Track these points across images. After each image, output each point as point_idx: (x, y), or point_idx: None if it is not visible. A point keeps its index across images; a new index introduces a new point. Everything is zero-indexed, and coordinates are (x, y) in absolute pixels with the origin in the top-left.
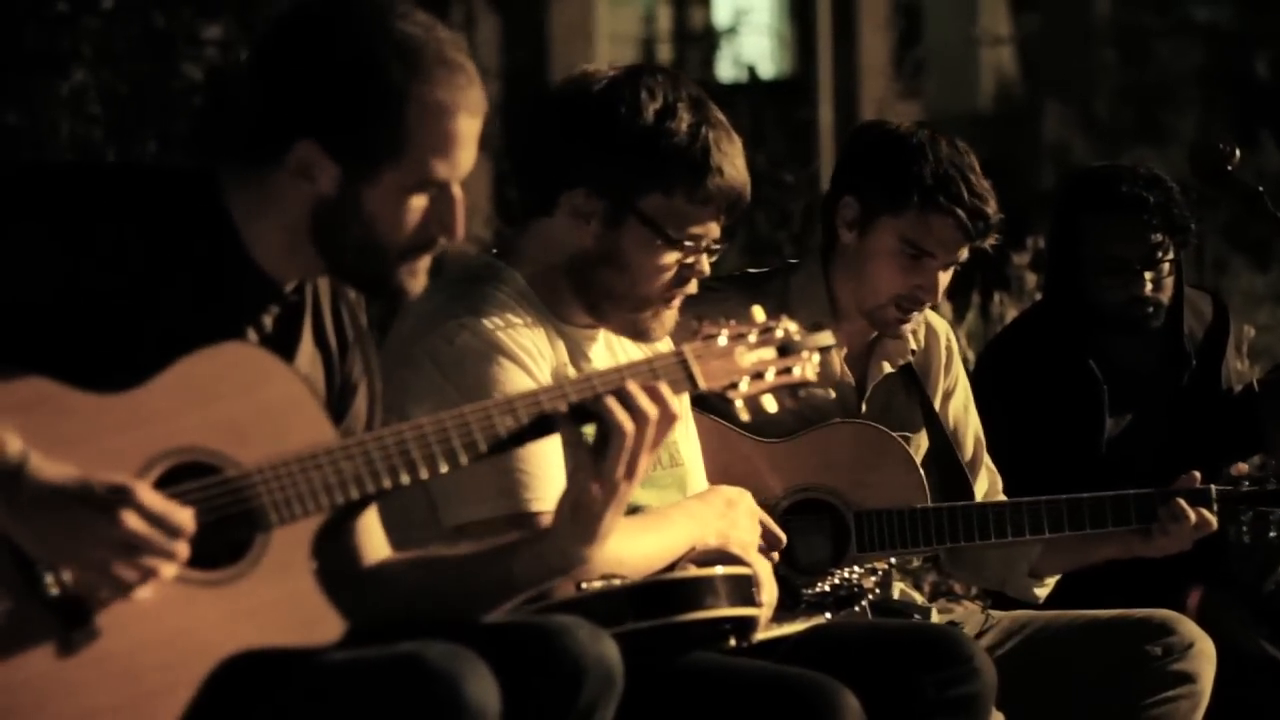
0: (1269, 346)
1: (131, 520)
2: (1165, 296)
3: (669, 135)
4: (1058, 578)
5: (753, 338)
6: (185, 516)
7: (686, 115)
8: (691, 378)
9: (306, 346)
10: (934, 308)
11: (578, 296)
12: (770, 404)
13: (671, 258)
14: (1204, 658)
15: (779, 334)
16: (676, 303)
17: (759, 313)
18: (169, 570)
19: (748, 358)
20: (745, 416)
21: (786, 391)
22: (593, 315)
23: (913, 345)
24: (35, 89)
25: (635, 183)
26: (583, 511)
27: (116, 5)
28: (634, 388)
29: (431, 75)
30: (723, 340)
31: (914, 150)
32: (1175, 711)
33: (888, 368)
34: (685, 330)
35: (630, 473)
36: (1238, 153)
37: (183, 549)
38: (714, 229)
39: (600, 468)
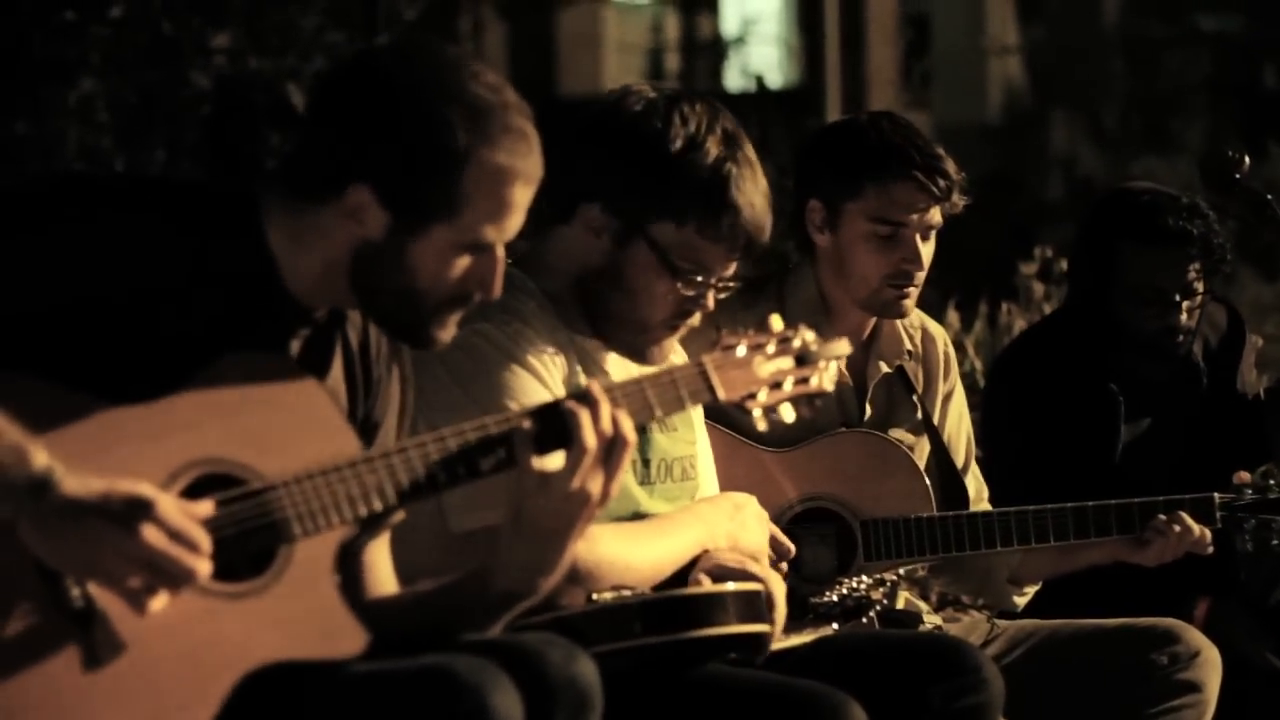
0: (1277, 356)
1: (150, 535)
2: (1194, 323)
3: (691, 166)
4: (1038, 586)
5: (771, 348)
6: (204, 536)
7: (714, 149)
8: (711, 388)
9: (336, 370)
10: (931, 313)
11: (583, 311)
12: (788, 413)
13: (675, 287)
14: (1210, 666)
15: (796, 344)
16: (679, 333)
17: (777, 321)
18: (185, 586)
19: (766, 368)
20: (763, 426)
21: (804, 400)
22: (595, 331)
23: (908, 346)
24: (43, 97)
25: (649, 207)
26: (527, 526)
27: (125, 14)
28: (605, 406)
29: (496, 141)
30: (741, 350)
31: (855, 134)
32: (1188, 715)
33: (884, 368)
34: (704, 340)
35: (582, 491)
36: (1247, 160)
37: (203, 565)
38: (724, 266)
39: (553, 476)
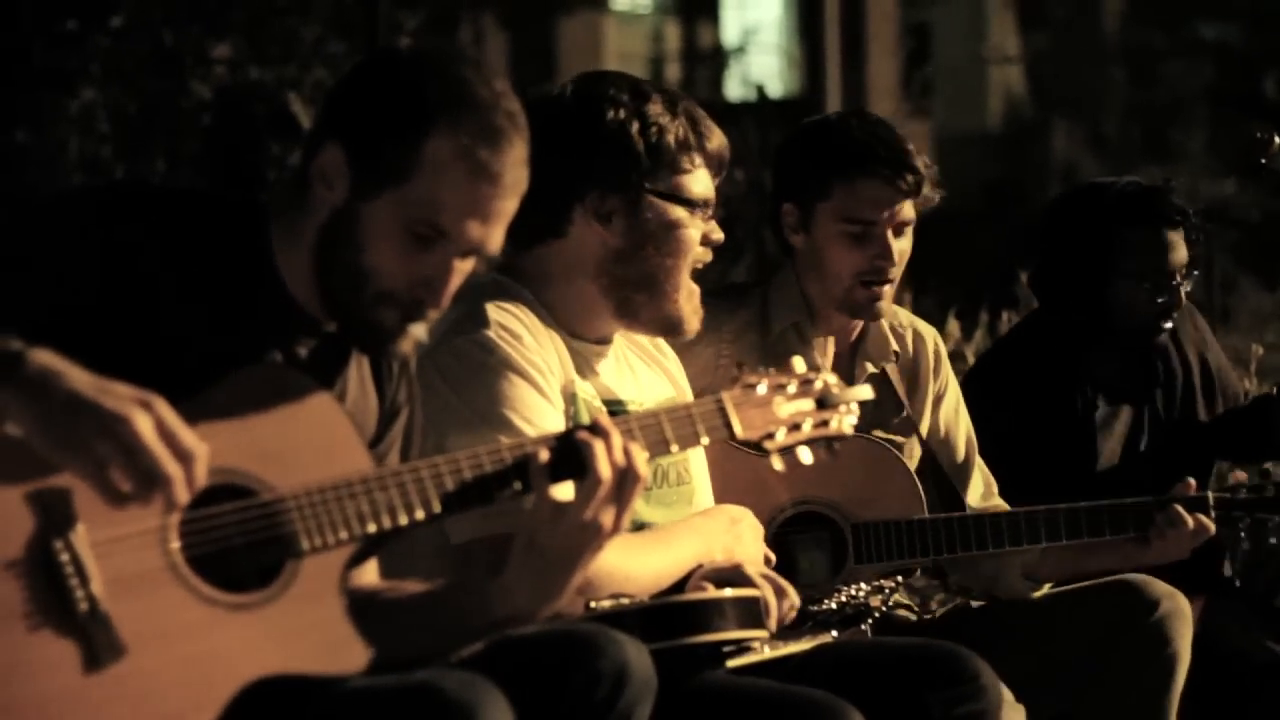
0: (1277, 365)
1: (143, 423)
2: (1181, 301)
3: (655, 116)
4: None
5: (792, 388)
6: (200, 447)
7: (659, 98)
8: (729, 425)
9: (354, 384)
10: (904, 306)
11: (609, 300)
12: (806, 455)
13: (692, 224)
14: (1178, 616)
15: (818, 385)
16: (694, 285)
17: (799, 363)
18: (162, 494)
19: (785, 408)
20: (779, 466)
21: (822, 443)
22: (623, 317)
23: (895, 347)
24: (44, 107)
25: (643, 168)
26: (538, 554)
27: (126, 23)
28: (617, 438)
29: (469, 126)
30: (762, 389)
31: (824, 134)
32: (1154, 671)
33: (870, 369)
34: (725, 377)
35: (594, 523)
36: (1277, 140)
37: (182, 475)
38: (711, 190)
39: (567, 507)
